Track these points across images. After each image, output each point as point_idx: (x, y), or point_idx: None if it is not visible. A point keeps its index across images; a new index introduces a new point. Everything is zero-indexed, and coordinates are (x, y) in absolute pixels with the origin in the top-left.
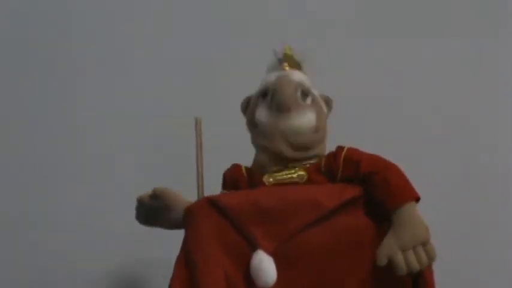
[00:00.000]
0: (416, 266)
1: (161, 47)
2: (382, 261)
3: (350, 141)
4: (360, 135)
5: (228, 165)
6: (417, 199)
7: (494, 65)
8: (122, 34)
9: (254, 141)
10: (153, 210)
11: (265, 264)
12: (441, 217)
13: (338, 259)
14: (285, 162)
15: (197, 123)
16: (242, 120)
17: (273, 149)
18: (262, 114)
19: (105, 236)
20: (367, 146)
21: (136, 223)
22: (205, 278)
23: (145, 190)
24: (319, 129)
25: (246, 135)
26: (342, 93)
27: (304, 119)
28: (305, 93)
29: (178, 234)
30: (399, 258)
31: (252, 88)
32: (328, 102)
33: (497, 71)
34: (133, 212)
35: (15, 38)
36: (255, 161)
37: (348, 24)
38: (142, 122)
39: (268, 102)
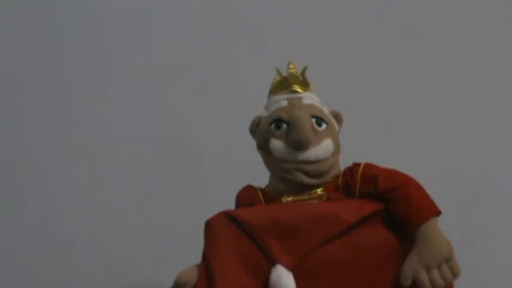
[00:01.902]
0: (440, 284)
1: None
2: (407, 281)
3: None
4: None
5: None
6: (438, 214)
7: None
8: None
9: (268, 167)
10: None
11: (284, 280)
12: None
13: (358, 274)
14: (304, 187)
15: None
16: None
17: (292, 179)
18: (277, 145)
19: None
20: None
21: None
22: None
23: None
24: (335, 152)
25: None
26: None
27: (322, 149)
28: (319, 120)
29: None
30: (424, 277)
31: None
32: (338, 117)
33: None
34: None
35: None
36: (271, 185)
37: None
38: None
39: (284, 134)
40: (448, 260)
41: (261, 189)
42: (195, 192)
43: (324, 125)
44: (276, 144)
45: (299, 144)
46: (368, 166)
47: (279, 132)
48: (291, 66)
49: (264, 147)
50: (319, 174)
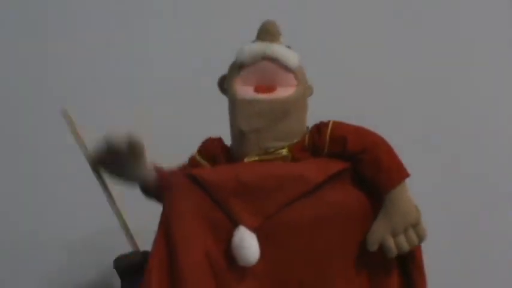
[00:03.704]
0: (406, 248)
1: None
2: (374, 246)
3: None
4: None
5: None
6: (407, 177)
7: None
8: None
9: (231, 118)
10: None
11: (247, 242)
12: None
13: (324, 234)
14: (266, 147)
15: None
16: None
17: (252, 128)
18: (240, 88)
19: None
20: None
21: None
22: (185, 257)
23: None
24: (299, 97)
25: None
26: None
27: (288, 52)
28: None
29: None
30: (390, 243)
31: None
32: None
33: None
34: None
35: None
36: (234, 143)
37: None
38: None
39: (245, 76)
40: (415, 225)
41: (226, 147)
42: None
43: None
44: (239, 87)
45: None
46: (337, 125)
47: (242, 74)
48: (268, 23)
49: (229, 95)
50: (277, 117)
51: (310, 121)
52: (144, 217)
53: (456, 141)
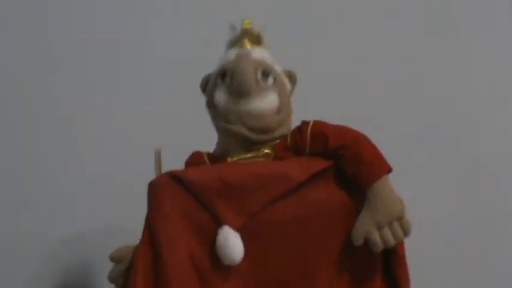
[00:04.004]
0: (392, 242)
1: None
2: (359, 241)
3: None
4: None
5: None
6: (389, 171)
7: None
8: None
9: (214, 123)
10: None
11: (231, 241)
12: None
13: (308, 232)
14: (249, 145)
15: (156, 155)
16: None
17: (235, 133)
18: (221, 96)
19: None
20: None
21: None
22: (170, 257)
23: None
24: (282, 110)
25: None
26: None
27: (265, 102)
28: (266, 73)
29: None
30: (375, 237)
31: None
32: (291, 76)
33: None
34: None
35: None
36: (218, 144)
37: None
38: None
39: (228, 84)
40: (400, 218)
41: (208, 153)
42: None
43: (270, 80)
44: (220, 95)
45: (238, 92)
46: (317, 124)
47: (223, 84)
48: (246, 21)
49: (210, 102)
50: (263, 131)
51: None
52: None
53: (456, 141)
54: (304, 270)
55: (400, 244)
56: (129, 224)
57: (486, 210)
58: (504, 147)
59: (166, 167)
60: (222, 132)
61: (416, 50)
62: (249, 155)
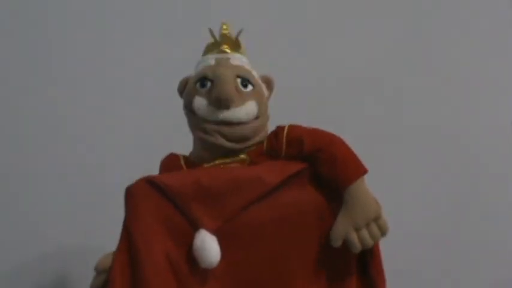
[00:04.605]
0: (370, 243)
1: None
2: (338, 242)
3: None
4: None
5: None
6: (365, 172)
7: None
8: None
9: (192, 129)
10: None
11: (208, 244)
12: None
13: (283, 234)
14: (226, 153)
15: None
16: None
17: (212, 144)
18: (200, 103)
19: None
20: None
21: None
22: (146, 262)
23: None
24: (260, 117)
25: None
26: None
27: (245, 111)
28: (245, 81)
29: None
30: (353, 237)
31: None
32: (268, 83)
33: None
34: None
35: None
36: (194, 152)
37: None
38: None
39: (208, 92)
40: (376, 218)
41: (184, 156)
42: None
43: (249, 87)
44: (199, 102)
45: (220, 102)
46: (292, 128)
47: (203, 90)
48: (224, 26)
49: (188, 107)
50: (241, 139)
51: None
52: None
53: (455, 141)
54: (280, 272)
55: (376, 248)
56: None
57: (474, 209)
58: (500, 145)
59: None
60: (200, 140)
61: (416, 49)
62: (226, 160)
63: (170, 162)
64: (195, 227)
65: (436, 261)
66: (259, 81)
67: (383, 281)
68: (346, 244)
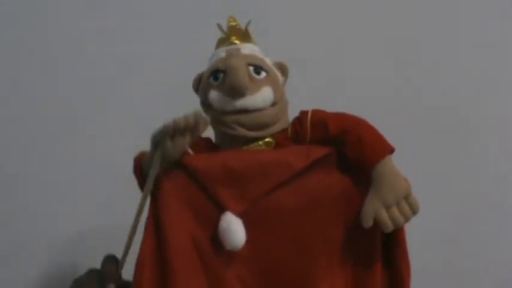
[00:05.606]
0: (401, 221)
1: None
2: (369, 222)
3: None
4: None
5: None
6: (392, 151)
7: None
8: None
9: (212, 125)
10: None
11: (233, 227)
12: None
13: (309, 219)
14: (249, 141)
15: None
16: None
17: (233, 135)
18: (215, 96)
19: None
20: None
21: None
22: (172, 242)
23: None
24: (277, 103)
25: None
26: None
27: (261, 97)
28: (257, 68)
29: None
30: (384, 216)
31: None
32: (283, 69)
33: None
34: None
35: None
36: (217, 140)
37: None
38: None
39: (220, 83)
40: (407, 196)
41: (214, 145)
42: None
43: (263, 74)
44: (214, 95)
45: (234, 90)
46: (316, 112)
47: (216, 83)
48: (231, 19)
49: (205, 102)
50: (261, 126)
51: None
52: None
53: (455, 140)
54: (305, 255)
55: (400, 230)
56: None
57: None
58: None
59: None
60: (220, 134)
61: (416, 49)
62: (251, 146)
63: (200, 142)
64: (220, 210)
65: (444, 260)
66: (273, 68)
67: (408, 269)
68: (376, 224)
